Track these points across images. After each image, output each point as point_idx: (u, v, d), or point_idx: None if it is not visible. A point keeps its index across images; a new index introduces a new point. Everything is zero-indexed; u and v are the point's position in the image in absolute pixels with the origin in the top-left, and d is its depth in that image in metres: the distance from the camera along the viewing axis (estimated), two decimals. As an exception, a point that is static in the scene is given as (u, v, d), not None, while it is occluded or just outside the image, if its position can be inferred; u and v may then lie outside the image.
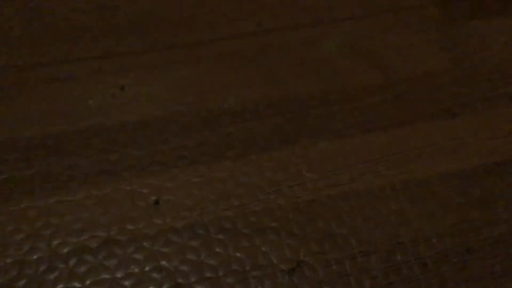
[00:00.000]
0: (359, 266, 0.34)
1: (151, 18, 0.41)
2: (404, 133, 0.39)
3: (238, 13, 0.42)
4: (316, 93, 0.40)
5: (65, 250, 0.32)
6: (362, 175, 0.37)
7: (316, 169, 0.37)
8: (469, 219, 0.36)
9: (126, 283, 0.32)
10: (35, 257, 0.32)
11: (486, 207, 0.37)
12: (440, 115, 0.40)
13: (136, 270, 0.33)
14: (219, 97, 0.39)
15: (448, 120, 0.40)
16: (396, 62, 0.42)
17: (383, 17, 0.43)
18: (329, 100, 0.40)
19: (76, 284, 0.32)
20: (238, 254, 0.34)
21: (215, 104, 0.38)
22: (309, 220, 0.35)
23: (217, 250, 0.34)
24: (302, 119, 0.39)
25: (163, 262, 0.33)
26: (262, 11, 0.42)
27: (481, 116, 0.40)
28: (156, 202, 0.35)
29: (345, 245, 0.35)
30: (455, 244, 0.36)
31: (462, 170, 0.38)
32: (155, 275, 0.33)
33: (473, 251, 0.35)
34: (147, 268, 0.33)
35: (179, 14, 0.41)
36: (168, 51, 0.40)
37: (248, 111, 0.38)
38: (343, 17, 0.43)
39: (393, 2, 0.44)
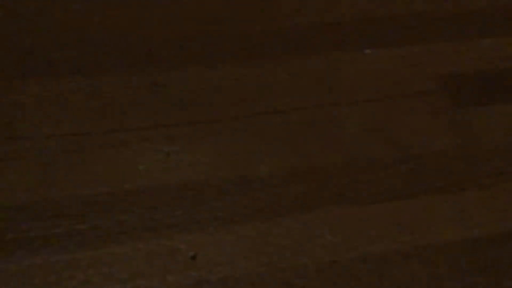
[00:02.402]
0: (375, 323, 0.38)
1: (196, 95, 0.47)
2: (416, 204, 0.43)
3: (271, 92, 0.48)
4: (337, 164, 0.45)
5: (113, 296, 0.36)
6: (379, 240, 0.41)
7: (336, 233, 0.41)
8: (474, 283, 0.40)
9: (165, 329, 0.36)
10: (87, 301, 0.36)
11: (491, 274, 0.40)
12: (449, 189, 0.44)
13: (174, 317, 0.36)
14: (251, 166, 0.44)
15: (456, 193, 0.44)
16: (410, 141, 0.47)
17: (399, 100, 0.49)
18: (349, 171, 0.44)
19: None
20: (265, 308, 0.37)
21: (247, 172, 0.43)
22: (330, 280, 0.39)
23: (247, 302, 0.38)
24: (324, 187, 0.43)
25: (198, 312, 0.37)
26: (292, 91, 0.48)
27: (487, 191, 0.44)
28: (193, 257, 0.39)
29: (362, 303, 0.38)
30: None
31: (468, 239, 0.42)
32: (191, 323, 0.36)
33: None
34: (184, 316, 0.36)
35: (219, 93, 0.47)
36: (209, 124, 0.45)
37: (277, 178, 0.43)
38: (364, 99, 0.48)
39: (407, 88, 0.50)
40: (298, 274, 0.39)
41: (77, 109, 0.45)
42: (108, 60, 0.48)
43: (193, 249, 0.39)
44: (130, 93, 0.46)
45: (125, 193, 0.41)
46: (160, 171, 0.42)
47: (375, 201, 0.43)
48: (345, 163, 0.45)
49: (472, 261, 0.41)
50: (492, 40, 0.53)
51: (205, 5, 0.52)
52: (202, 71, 0.48)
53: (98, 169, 0.42)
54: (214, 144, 0.44)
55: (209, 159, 0.44)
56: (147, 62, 0.48)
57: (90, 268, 0.37)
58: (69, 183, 0.41)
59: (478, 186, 0.45)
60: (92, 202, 0.40)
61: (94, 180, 0.41)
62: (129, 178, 0.42)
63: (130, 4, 0.50)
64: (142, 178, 0.42)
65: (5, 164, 0.41)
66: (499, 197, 0.44)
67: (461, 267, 0.41)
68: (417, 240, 0.41)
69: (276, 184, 0.43)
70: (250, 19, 0.52)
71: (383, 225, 0.42)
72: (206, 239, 0.40)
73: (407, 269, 0.40)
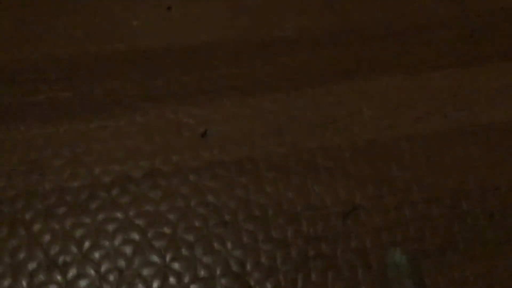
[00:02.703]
0: (419, 213, 0.32)
1: None
2: (477, 73, 0.35)
3: None
4: (381, 23, 0.36)
5: (108, 179, 0.30)
6: (428, 116, 0.34)
7: (378, 107, 0.34)
8: (544, 170, 0.33)
9: (171, 216, 0.30)
10: (76, 184, 0.30)
11: None
12: (519, 54, 0.36)
13: (182, 203, 0.30)
14: (275, 24, 0.35)
15: (528, 60, 0.36)
16: (473, -7, 0.37)
17: None
18: (395, 31, 0.36)
19: (119, 215, 0.30)
20: (289, 194, 0.31)
21: (270, 31, 0.35)
22: (367, 161, 0.32)
23: (267, 188, 0.31)
24: (364, 51, 0.35)
25: (210, 197, 0.31)
26: None
27: None
28: (203, 134, 0.32)
29: (405, 190, 0.32)
30: (526, 196, 0.32)
31: (540, 116, 0.34)
32: (201, 210, 0.31)
33: (546, 205, 0.32)
34: (192, 203, 0.31)
35: None
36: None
37: (305, 40, 0.35)
38: None
39: None
40: (328, 154, 0.32)
41: None
42: None
43: (202, 124, 0.32)
44: None
45: (117, 54, 0.33)
46: (159, 29, 0.34)
47: (426, 69, 0.35)
48: (390, 21, 0.36)
49: (540, 142, 0.34)
50: None
51: None
52: None
53: (83, 24, 0.34)
54: (228, -4, 0.36)
55: (222, 15, 0.35)
56: None
57: (78, 145, 0.31)
58: (50, 41, 0.33)
59: (555, 52, 0.36)
60: (77, 64, 0.33)
61: (79, 37, 0.33)
62: (122, 36, 0.34)
63: None
64: (137, 37, 0.34)
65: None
66: None
67: (525, 149, 0.33)
68: (475, 117, 0.34)
69: (305, 47, 0.35)
70: None
71: (434, 98, 0.34)
72: (218, 112, 0.33)
73: (460, 150, 0.33)
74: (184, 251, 0.29)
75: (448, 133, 0.33)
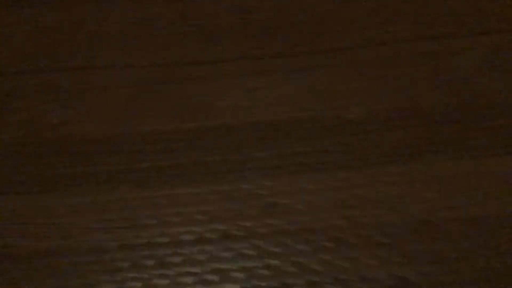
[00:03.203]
0: (469, 294, 0.34)
1: (291, 23, 0.42)
2: (538, 161, 0.36)
3: (374, 22, 0.42)
4: (446, 108, 0.39)
5: (188, 238, 0.36)
6: (484, 200, 0.36)
7: (435, 189, 0.36)
8: None
9: (238, 275, 0.35)
10: (163, 241, 0.36)
11: None
12: None
13: (249, 264, 0.35)
14: (345, 106, 0.39)
15: None
16: (541, 82, 0.39)
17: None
18: (459, 116, 0.38)
19: (195, 270, 0.35)
20: (345, 264, 0.35)
21: (340, 113, 0.39)
22: (421, 240, 0.35)
23: (325, 257, 0.35)
24: (428, 134, 0.38)
25: (273, 261, 0.35)
26: (399, 20, 0.42)
27: None
28: (272, 204, 0.37)
29: (458, 270, 0.34)
30: None
31: None
32: (264, 272, 0.35)
33: None
34: (259, 265, 0.35)
35: (318, 21, 0.42)
36: (303, 57, 0.41)
37: (373, 121, 0.39)
38: (483, 31, 0.41)
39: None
40: (384, 232, 0.35)
41: (160, 36, 0.43)
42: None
43: (272, 195, 0.37)
44: (217, 19, 0.43)
45: (207, 131, 0.39)
46: (242, 108, 0.40)
47: (487, 155, 0.37)
48: (454, 107, 0.39)
49: None
50: None
51: None
52: (297, -6, 0.43)
53: (180, 104, 0.40)
54: (305, 80, 0.40)
55: (298, 97, 0.40)
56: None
57: (168, 208, 0.37)
58: (151, 117, 0.40)
59: None
60: (174, 139, 0.39)
61: (176, 115, 0.40)
62: (212, 115, 0.40)
63: None
64: (222, 116, 0.40)
65: (86, 95, 0.41)
66: None
67: None
68: (534, 205, 0.35)
69: (371, 129, 0.39)
70: None
71: (495, 183, 0.36)
72: (287, 186, 0.37)
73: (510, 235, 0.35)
74: (247, 308, 0.34)
75: (505, 220, 0.35)
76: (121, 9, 0.44)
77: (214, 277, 0.35)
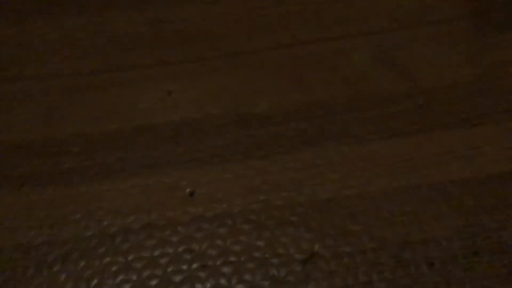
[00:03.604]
0: (369, 260, 0.38)
1: (198, 31, 0.46)
2: (422, 141, 0.42)
3: (275, 26, 0.46)
4: (342, 100, 0.43)
5: (113, 230, 0.38)
6: (379, 178, 0.40)
7: (336, 171, 0.41)
8: (479, 223, 0.39)
9: (162, 261, 0.38)
10: (88, 234, 0.38)
11: (498, 213, 0.39)
12: (459, 124, 0.42)
13: (170, 250, 0.38)
14: (253, 102, 0.43)
15: (467, 129, 0.42)
16: (422, 73, 0.44)
17: (416, 30, 0.46)
18: (354, 107, 0.43)
19: (120, 259, 0.38)
20: (259, 243, 0.38)
21: (248, 109, 0.43)
22: (326, 216, 0.39)
23: (241, 238, 0.39)
24: (327, 124, 0.43)
25: (194, 245, 0.38)
26: (297, 25, 0.46)
27: (500, 127, 0.42)
28: (191, 194, 0.40)
29: (357, 240, 0.38)
30: (463, 246, 0.38)
31: (476, 177, 0.40)
32: (186, 256, 0.38)
33: (480, 253, 0.38)
34: (180, 249, 0.38)
35: (222, 28, 0.46)
36: (211, 61, 0.45)
37: (277, 115, 0.43)
38: (376, 30, 0.46)
39: (426, 16, 0.46)
40: (294, 211, 0.39)
41: (82, 47, 0.45)
42: (112, -3, 0.47)
43: (191, 186, 0.40)
44: (134, 30, 0.46)
45: (127, 131, 0.42)
46: (160, 110, 0.43)
47: (378, 139, 0.42)
48: (352, 98, 0.43)
49: (478, 200, 0.39)
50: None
51: None
52: (207, 6, 0.47)
53: (101, 108, 0.43)
54: (216, 81, 0.44)
55: (210, 97, 0.43)
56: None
57: (92, 203, 0.39)
58: (73, 122, 0.42)
59: (492, 122, 0.42)
60: (96, 140, 0.42)
61: (97, 119, 0.42)
62: (131, 116, 0.43)
63: None
64: (143, 117, 0.43)
65: (13, 104, 0.43)
66: (514, 134, 0.42)
67: (465, 206, 0.39)
68: (420, 179, 0.40)
69: (276, 122, 0.43)
70: None
71: (384, 163, 0.41)
72: (204, 176, 0.40)
73: (407, 206, 0.39)
74: (171, 289, 0.37)
75: (395, 192, 0.40)
76: (43, 26, 0.46)
77: (138, 265, 0.38)
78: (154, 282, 0.37)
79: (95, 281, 0.37)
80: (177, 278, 0.37)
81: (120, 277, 0.37)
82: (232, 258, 0.38)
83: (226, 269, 0.38)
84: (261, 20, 0.47)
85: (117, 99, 0.43)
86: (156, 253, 0.38)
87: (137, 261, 0.38)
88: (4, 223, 0.38)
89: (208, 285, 0.37)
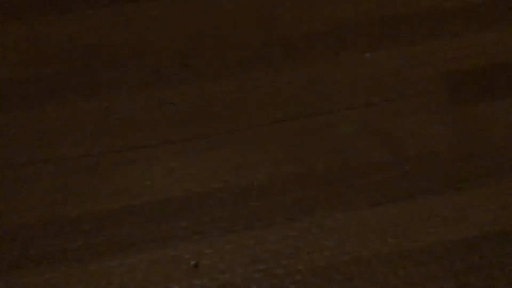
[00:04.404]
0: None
1: (199, 112, 0.50)
2: (410, 206, 0.45)
3: (268, 104, 0.50)
4: (334, 169, 0.47)
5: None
6: (372, 243, 0.43)
7: (332, 238, 0.43)
8: (469, 282, 0.41)
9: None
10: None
11: (485, 274, 0.41)
12: (444, 189, 0.45)
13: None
14: (250, 175, 0.46)
15: (452, 193, 0.45)
16: (406, 142, 0.48)
17: (397, 102, 0.50)
18: (345, 176, 0.46)
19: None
20: (262, 311, 0.41)
21: (247, 181, 0.46)
22: (324, 283, 0.42)
23: (245, 306, 0.41)
24: (321, 193, 0.46)
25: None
26: (291, 100, 0.50)
27: (482, 191, 0.45)
28: (196, 265, 0.42)
29: (355, 305, 0.41)
30: (455, 307, 0.40)
31: (463, 239, 0.43)
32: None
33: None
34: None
35: (220, 106, 0.50)
36: (212, 138, 0.49)
37: (275, 187, 0.46)
38: (361, 104, 0.50)
39: (406, 89, 0.51)
40: (293, 278, 0.42)
41: (91, 130, 0.49)
42: (118, 82, 0.51)
43: (195, 258, 0.43)
44: (139, 112, 0.50)
45: (135, 208, 0.45)
46: (165, 185, 0.46)
47: (370, 205, 0.45)
48: (341, 168, 0.47)
49: (466, 261, 0.42)
50: (492, 34, 0.52)
51: (205, 22, 0.54)
52: (205, 86, 0.51)
53: (110, 186, 0.46)
54: (216, 157, 0.47)
55: (210, 171, 0.47)
56: (155, 80, 0.51)
57: (102, 280, 0.42)
58: (84, 201, 0.45)
59: (475, 185, 0.45)
60: (105, 217, 0.45)
61: (106, 197, 0.45)
62: (138, 193, 0.46)
63: (134, 26, 0.54)
64: (149, 193, 0.46)
65: (28, 186, 0.46)
66: (496, 196, 0.45)
67: (454, 267, 0.42)
68: (410, 242, 0.43)
69: (273, 192, 0.46)
70: (250, 30, 0.54)
71: (378, 228, 0.44)
72: (208, 248, 0.43)
73: (400, 269, 0.42)
74: None
75: (388, 256, 0.42)
76: (53, 110, 0.50)
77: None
78: None
79: None
80: None
81: None
82: (237, 327, 0.40)
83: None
84: (254, 97, 0.51)
85: (125, 178, 0.46)
86: (165, 324, 0.40)
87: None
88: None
89: None
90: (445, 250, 0.42)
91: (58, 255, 0.43)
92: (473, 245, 0.42)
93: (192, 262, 0.42)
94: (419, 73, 0.51)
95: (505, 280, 0.41)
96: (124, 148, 0.48)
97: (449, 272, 0.41)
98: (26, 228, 0.44)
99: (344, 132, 0.48)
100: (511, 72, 0.51)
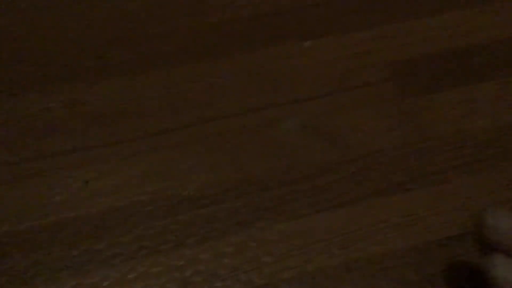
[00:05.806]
0: None
1: (118, 111, 0.44)
2: (357, 211, 0.40)
3: (198, 101, 0.44)
4: (274, 174, 0.42)
5: None
6: (317, 256, 0.38)
7: (272, 252, 0.38)
8: (423, 295, 0.37)
9: None
10: None
11: (438, 283, 0.38)
12: (392, 191, 0.41)
13: None
14: (180, 185, 0.41)
15: (401, 195, 0.41)
16: (352, 139, 0.43)
17: (343, 95, 0.45)
18: (287, 180, 0.41)
19: None
20: None
21: (176, 192, 0.40)
22: (265, 304, 0.37)
23: None
24: (259, 201, 0.40)
25: None
26: (226, 95, 0.45)
27: (431, 191, 0.41)
28: (117, 294, 0.36)
29: (300, 328, 0.36)
30: (409, 323, 0.36)
31: (414, 246, 0.39)
32: None
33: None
34: None
35: (145, 105, 0.44)
36: (134, 142, 0.42)
37: (207, 197, 0.40)
38: (304, 98, 0.45)
39: (351, 80, 0.46)
40: (230, 302, 0.37)
41: (-11, 138, 0.42)
42: (21, 81, 0.44)
43: (115, 285, 0.37)
44: (46, 115, 0.43)
45: (42, 229, 0.38)
46: (79, 201, 0.39)
47: (314, 212, 0.40)
48: (284, 171, 0.42)
49: (418, 270, 0.38)
50: (441, 18, 0.48)
51: (124, 7, 0.48)
52: (125, 82, 0.45)
53: (12, 205, 0.39)
54: (139, 165, 0.41)
55: (132, 182, 0.40)
56: (62, 79, 0.44)
57: (3, 318, 0.35)
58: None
59: (423, 186, 0.41)
60: (6, 242, 0.38)
61: (8, 217, 0.38)
62: (45, 211, 0.39)
63: (37, 17, 0.46)
64: (59, 211, 0.39)
65: None
66: (447, 195, 0.41)
67: (406, 277, 0.38)
68: (359, 252, 0.39)
69: (206, 203, 0.40)
70: (177, 17, 0.48)
71: (322, 238, 0.39)
72: (131, 273, 0.37)
73: (346, 285, 0.37)
74: None
75: (335, 269, 0.38)
76: None
77: None
78: None
79: None
80: None
81: None
82: None
83: None
84: (182, 95, 0.45)
85: (30, 194, 0.40)
86: None
87: None
88: None
89: None
90: (395, 260, 0.38)
91: None
92: (425, 253, 0.39)
93: (112, 291, 0.36)
94: (364, 63, 0.46)
95: (461, 290, 0.37)
96: (27, 158, 0.41)
97: (400, 284, 0.38)
98: None
99: (287, 129, 0.43)
100: (462, 59, 0.47)
